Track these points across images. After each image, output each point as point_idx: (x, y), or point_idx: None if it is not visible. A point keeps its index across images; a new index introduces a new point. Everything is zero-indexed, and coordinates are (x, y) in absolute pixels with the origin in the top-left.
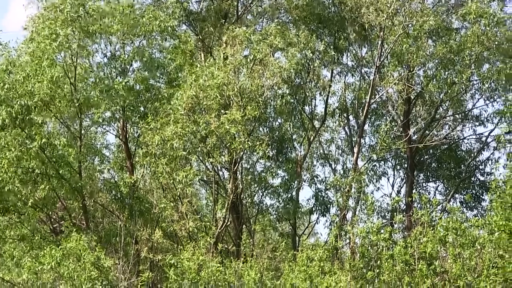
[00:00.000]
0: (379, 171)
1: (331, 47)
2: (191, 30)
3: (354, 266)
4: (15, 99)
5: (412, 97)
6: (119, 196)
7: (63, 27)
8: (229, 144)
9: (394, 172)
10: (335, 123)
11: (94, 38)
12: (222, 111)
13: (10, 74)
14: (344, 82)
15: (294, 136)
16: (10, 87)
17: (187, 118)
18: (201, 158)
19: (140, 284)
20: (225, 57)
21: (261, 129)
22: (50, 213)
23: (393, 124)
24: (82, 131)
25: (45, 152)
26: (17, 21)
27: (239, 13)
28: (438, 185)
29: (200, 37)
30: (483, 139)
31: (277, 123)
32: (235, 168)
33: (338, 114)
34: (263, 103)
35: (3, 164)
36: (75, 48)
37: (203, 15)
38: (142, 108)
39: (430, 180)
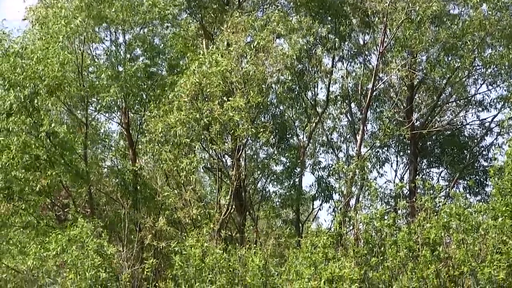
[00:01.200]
0: (382, 157)
1: (333, 33)
2: (192, 17)
3: (358, 252)
4: (26, 82)
5: (415, 83)
6: (123, 183)
7: (77, 12)
8: (232, 131)
9: (397, 159)
10: (337, 110)
11: (105, 25)
12: (225, 98)
13: (21, 58)
14: (346, 68)
15: (296, 123)
16: (21, 71)
17: (191, 105)
18: (204, 145)
19: (146, 271)
20: (228, 44)
21: (263, 116)
22: (54, 200)
23: (396, 110)
24: (87, 119)
25: (50, 138)
26: (14, 9)
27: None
28: (441, 171)
29: (202, 24)
30: (486, 124)
31: (279, 110)
32: (239, 155)
33: (340, 101)
34: (266, 90)
35: (11, 150)
36: (87, 34)
37: (204, 1)
38: (144, 96)
39: (434, 166)
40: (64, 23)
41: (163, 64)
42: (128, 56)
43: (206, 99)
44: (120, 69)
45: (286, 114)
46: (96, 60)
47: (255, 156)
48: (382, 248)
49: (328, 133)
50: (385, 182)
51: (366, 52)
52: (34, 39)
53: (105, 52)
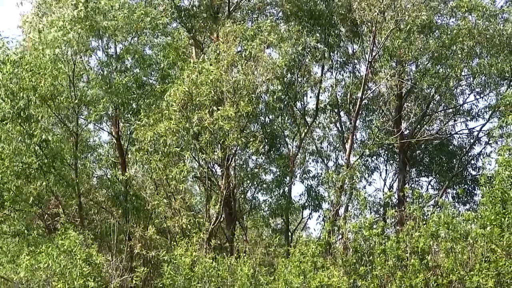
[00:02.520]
0: (371, 166)
1: (322, 42)
2: (182, 26)
3: (347, 261)
4: (22, 92)
5: (404, 92)
6: (112, 193)
7: (72, 23)
8: (222, 140)
9: (386, 167)
10: (327, 119)
11: (99, 36)
12: (215, 107)
13: (19, 67)
14: (335, 78)
15: (286, 132)
16: (18, 81)
17: (180, 114)
18: (194, 154)
19: (135, 280)
20: (218, 53)
21: (253, 125)
22: (44, 210)
23: (385, 119)
24: (77, 129)
25: (41, 147)
26: (11, 16)
27: (230, 9)
28: (430, 180)
29: (192, 33)
30: (475, 134)
31: (269, 119)
32: (228, 164)
33: (329, 110)
34: (256, 99)
35: (3, 158)
36: (80, 45)
37: (194, 11)
38: (134, 105)
39: (422, 175)
40: (60, 34)
41: (154, 74)
42: (120, 67)
43: (196, 108)
44: (112, 80)
45: (275, 124)
46: (88, 70)
47: (245, 166)
48: (371, 257)
49: (317, 142)
50: (374, 191)
51: (355, 61)
52: (29, 48)
53: (98, 63)
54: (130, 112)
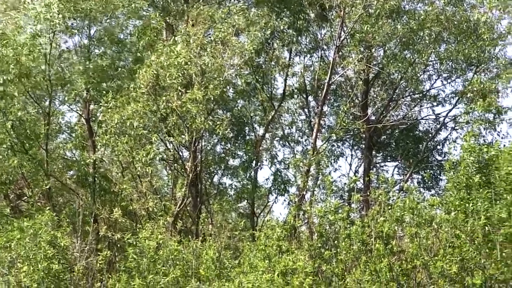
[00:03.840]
0: (337, 152)
1: (291, 27)
2: (155, 8)
3: (312, 245)
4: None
5: (371, 78)
6: (80, 174)
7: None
8: (189, 123)
9: (352, 153)
10: (295, 104)
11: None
12: (184, 90)
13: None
14: (304, 63)
15: (253, 117)
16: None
17: (148, 97)
18: (161, 137)
19: (99, 263)
20: (188, 36)
21: (221, 109)
22: (10, 190)
23: (352, 104)
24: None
25: (14, 126)
26: None
27: None
28: (396, 165)
29: (163, 16)
30: (441, 119)
31: (237, 103)
32: (195, 147)
33: (297, 95)
34: (224, 83)
35: None
36: (62, 25)
37: None
38: (105, 87)
39: (388, 160)
40: (43, 10)
41: (128, 56)
42: (97, 51)
43: (164, 91)
44: (88, 62)
45: (244, 108)
46: (67, 52)
47: (212, 149)
48: (336, 242)
49: (284, 127)
50: (339, 177)
51: (324, 46)
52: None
53: (76, 45)
54: (101, 94)
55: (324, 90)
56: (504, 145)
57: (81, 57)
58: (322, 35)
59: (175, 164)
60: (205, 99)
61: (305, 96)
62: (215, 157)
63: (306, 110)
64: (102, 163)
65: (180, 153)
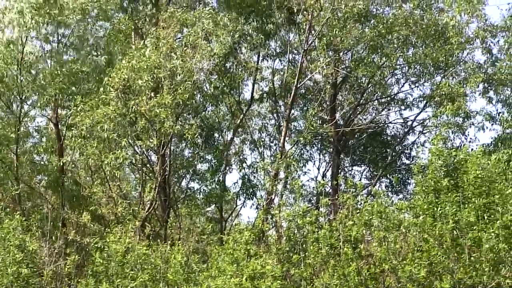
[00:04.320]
0: (306, 156)
1: (259, 31)
2: (124, 11)
3: (280, 249)
4: None
5: (339, 81)
6: (49, 178)
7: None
8: (158, 127)
9: (320, 157)
10: (264, 108)
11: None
12: (153, 94)
13: None
14: (273, 67)
15: (222, 122)
16: None
17: (118, 101)
18: (130, 141)
19: (67, 267)
20: (157, 39)
21: (190, 113)
22: None
23: (320, 108)
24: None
25: None
26: None
27: None
28: (364, 169)
29: (132, 20)
30: (409, 123)
31: (206, 107)
32: (163, 151)
33: (266, 99)
34: (193, 87)
35: None
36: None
37: None
38: (74, 91)
39: (356, 164)
40: (17, 17)
41: (99, 61)
42: (68, 57)
43: (134, 95)
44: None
45: (212, 112)
46: (38, 57)
47: (180, 154)
48: (304, 245)
49: (252, 131)
50: (308, 181)
51: (293, 50)
52: None
53: (46, 51)
54: (70, 98)
55: (292, 94)
56: (472, 149)
57: (53, 62)
58: (291, 39)
59: (144, 168)
60: (174, 103)
61: (274, 100)
62: (184, 161)
63: (275, 114)
64: (71, 167)
65: (149, 157)
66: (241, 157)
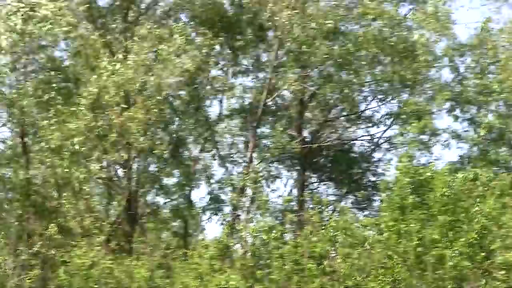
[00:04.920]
0: (273, 172)
1: (229, 47)
2: (94, 27)
3: (245, 264)
4: None
5: (307, 98)
6: (14, 192)
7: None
8: (127, 142)
9: (287, 173)
10: (233, 124)
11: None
12: (123, 108)
13: None
14: (242, 83)
15: (190, 137)
16: None
17: (88, 115)
18: (98, 155)
19: (28, 280)
20: (128, 55)
21: (160, 128)
22: None
23: (288, 125)
24: None
25: None
26: None
27: (141, 12)
28: (330, 186)
29: (103, 34)
30: (376, 140)
31: (176, 123)
32: (131, 166)
33: (235, 115)
34: (163, 103)
35: None
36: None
37: (107, 11)
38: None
39: (323, 180)
40: None
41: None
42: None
43: (104, 109)
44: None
45: (182, 128)
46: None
47: (148, 168)
48: (269, 261)
49: (224, 147)
50: (275, 196)
51: (262, 67)
52: None
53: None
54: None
55: (260, 111)
56: (439, 167)
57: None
58: (260, 56)
59: (110, 182)
60: (144, 118)
61: (244, 117)
62: (150, 176)
63: (245, 131)
64: (38, 180)
65: (116, 171)
66: (208, 173)
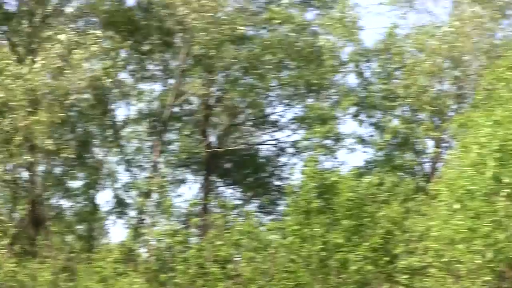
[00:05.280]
0: (179, 176)
1: (136, 52)
2: (1, 30)
3: (149, 268)
4: None
5: (214, 103)
6: None
7: None
8: (32, 145)
9: (193, 178)
10: (140, 129)
11: None
12: (29, 112)
13: None
14: (150, 88)
15: (96, 141)
16: None
17: None
18: (3, 158)
19: None
20: (36, 59)
21: (66, 132)
22: None
23: (194, 130)
24: None
25: None
26: None
27: (49, 15)
28: (236, 190)
29: (10, 38)
30: (281, 145)
31: (82, 127)
32: (35, 169)
33: (142, 120)
34: (69, 107)
35: None
36: None
37: (14, 15)
38: None
39: (229, 184)
40: None
41: None
42: None
43: (10, 112)
44: None
45: (88, 132)
46: None
47: (52, 172)
48: (173, 265)
49: (129, 151)
50: (181, 201)
51: (170, 72)
52: None
53: None
54: None
55: (167, 115)
56: (345, 172)
57: None
58: (168, 60)
59: (15, 185)
60: (49, 121)
61: (150, 121)
62: (55, 179)
63: (152, 135)
64: None
65: (20, 174)
66: (114, 176)
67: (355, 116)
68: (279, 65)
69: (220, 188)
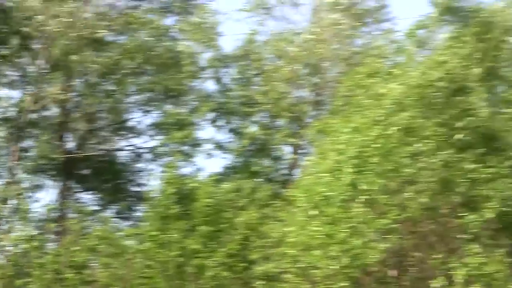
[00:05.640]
0: (37, 182)
1: None
2: None
3: (5, 274)
4: None
5: (72, 108)
6: None
7: None
8: None
9: (51, 183)
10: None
11: None
12: None
13: None
14: (6, 93)
15: None
16: None
17: None
18: None
19: None
20: None
21: None
22: None
23: (52, 135)
24: None
25: None
26: None
27: None
28: (94, 196)
29: None
30: (139, 150)
31: None
32: None
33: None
34: None
35: None
36: None
37: None
38: None
39: (88, 190)
40: None
41: None
42: None
43: None
44: None
45: None
46: None
47: None
48: (30, 270)
49: None
50: (37, 206)
51: (28, 77)
52: None
53: None
54: None
55: (24, 122)
56: (203, 178)
57: None
58: (26, 65)
59: None
60: None
61: (8, 128)
62: None
63: (8, 142)
64: None
65: None
66: None
67: (213, 122)
68: (137, 70)
69: (78, 194)
